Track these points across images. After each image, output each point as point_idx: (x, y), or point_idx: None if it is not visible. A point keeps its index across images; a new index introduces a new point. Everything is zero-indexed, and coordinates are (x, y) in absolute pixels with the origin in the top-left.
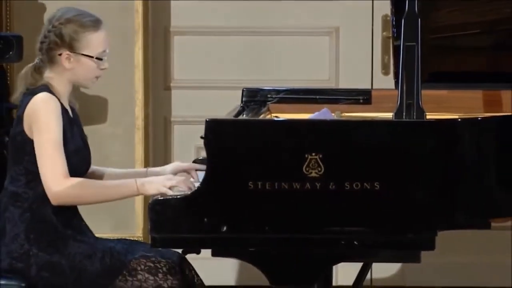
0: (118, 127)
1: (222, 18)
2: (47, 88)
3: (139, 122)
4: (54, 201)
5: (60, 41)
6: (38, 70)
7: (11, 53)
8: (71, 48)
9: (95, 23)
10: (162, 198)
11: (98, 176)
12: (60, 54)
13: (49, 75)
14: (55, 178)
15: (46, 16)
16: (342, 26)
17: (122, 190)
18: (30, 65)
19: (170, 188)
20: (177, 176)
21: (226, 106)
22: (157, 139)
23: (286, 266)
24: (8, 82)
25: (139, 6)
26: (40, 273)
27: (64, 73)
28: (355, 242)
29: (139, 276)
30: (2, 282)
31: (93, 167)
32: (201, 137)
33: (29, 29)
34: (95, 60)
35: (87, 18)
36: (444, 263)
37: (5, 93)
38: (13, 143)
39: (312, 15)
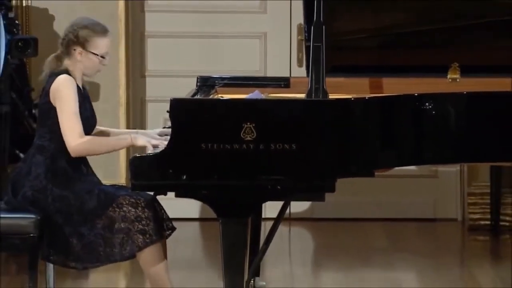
0: (107, 104)
1: (184, 26)
2: (67, 72)
3: (123, 101)
4: (73, 153)
5: (76, 40)
6: (59, 59)
7: (29, 50)
8: (83, 46)
9: (104, 31)
10: (139, 155)
11: (106, 134)
12: (74, 49)
13: (67, 63)
14: (73, 136)
15: (55, 23)
16: (268, 32)
17: (120, 143)
18: (53, 54)
19: (153, 145)
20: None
21: (186, 89)
22: (135, 113)
23: (229, 204)
24: (28, 72)
25: (122, 16)
26: (54, 203)
27: (77, 63)
28: (278, 187)
29: (124, 208)
30: (22, 215)
31: (102, 128)
32: (167, 111)
33: (42, 33)
34: (99, 57)
35: (98, 26)
36: (341, 201)
37: (26, 80)
38: (40, 110)
39: (248, 24)
